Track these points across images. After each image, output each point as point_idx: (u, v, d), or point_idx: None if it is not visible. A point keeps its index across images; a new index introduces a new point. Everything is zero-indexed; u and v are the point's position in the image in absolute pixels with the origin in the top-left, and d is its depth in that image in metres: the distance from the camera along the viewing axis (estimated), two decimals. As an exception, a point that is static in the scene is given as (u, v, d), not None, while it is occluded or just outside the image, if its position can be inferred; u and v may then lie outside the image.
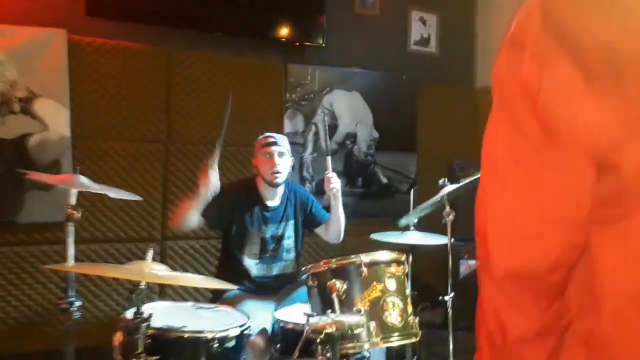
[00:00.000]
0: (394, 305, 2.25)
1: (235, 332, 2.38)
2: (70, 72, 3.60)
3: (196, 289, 4.03)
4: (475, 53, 5.35)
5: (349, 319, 2.05)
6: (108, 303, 3.83)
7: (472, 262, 4.07)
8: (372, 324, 2.15)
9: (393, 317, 2.23)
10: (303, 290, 3.25)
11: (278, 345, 2.68)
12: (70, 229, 2.22)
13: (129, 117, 3.87)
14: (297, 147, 4.35)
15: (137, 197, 2.62)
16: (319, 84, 4.54)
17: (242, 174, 4.07)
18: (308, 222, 3.37)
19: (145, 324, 2.00)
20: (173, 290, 4.00)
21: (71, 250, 2.17)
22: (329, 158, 3.30)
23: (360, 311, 2.15)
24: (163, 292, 3.92)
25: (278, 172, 3.14)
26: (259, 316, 2.83)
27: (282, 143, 3.21)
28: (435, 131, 5.00)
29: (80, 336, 3.41)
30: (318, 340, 2.13)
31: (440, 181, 2.84)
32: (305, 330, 2.05)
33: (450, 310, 2.89)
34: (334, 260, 2.30)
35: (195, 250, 4.08)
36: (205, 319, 2.56)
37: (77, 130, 3.66)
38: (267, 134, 3.24)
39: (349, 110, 4.66)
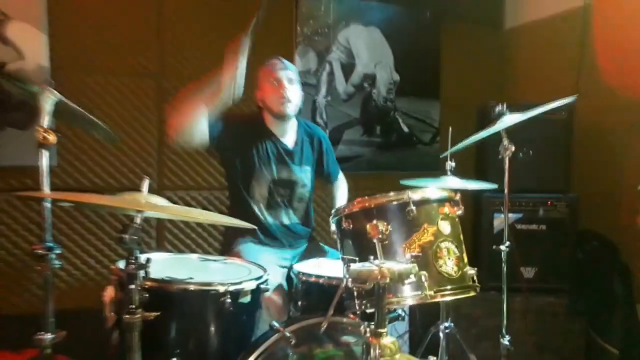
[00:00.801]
0: (449, 252, 1.86)
1: (250, 285, 2.05)
2: (48, -8, 3.20)
3: (202, 242, 3.67)
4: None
5: (398, 266, 1.65)
6: (94, 260, 3.43)
7: (510, 216, 3.66)
8: (424, 274, 1.75)
9: (448, 266, 1.84)
10: (317, 244, 2.93)
11: (299, 302, 2.33)
12: (45, 155, 1.79)
13: (116, 46, 3.43)
14: (309, 88, 3.94)
15: (113, 137, 2.15)
16: (334, 17, 4.09)
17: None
18: (317, 171, 2.99)
19: (142, 271, 1.60)
20: (172, 242, 3.62)
21: (46, 179, 1.75)
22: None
23: (409, 258, 1.74)
24: (160, 243, 3.52)
25: (288, 100, 2.74)
26: (274, 270, 2.46)
27: (291, 67, 2.86)
28: (460, 75, 4.57)
29: (62, 299, 3.06)
30: (357, 293, 1.76)
31: (497, 108, 2.41)
32: (344, 280, 1.65)
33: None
34: (372, 197, 1.89)
35: (198, 202, 3.67)
36: (214, 272, 2.20)
37: (57, 59, 3.23)
38: (273, 59, 2.87)
39: (367, 48, 4.24)
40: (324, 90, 4.07)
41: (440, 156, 2.81)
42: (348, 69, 4.17)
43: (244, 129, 2.80)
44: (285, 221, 2.87)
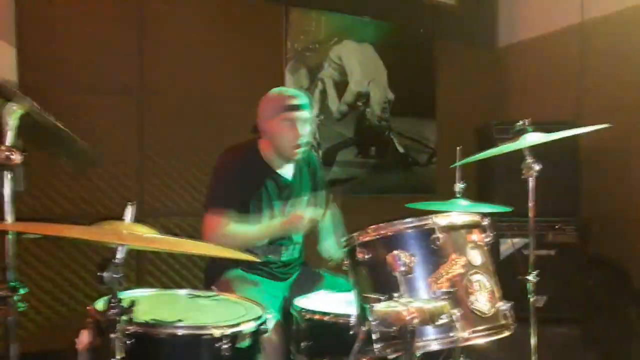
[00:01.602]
0: (480, 286, 1.63)
1: (249, 327, 1.80)
2: (17, 1, 2.98)
3: (186, 273, 3.43)
4: (497, 8, 4.77)
5: (429, 305, 1.42)
6: (66, 296, 3.13)
7: (515, 240, 3.47)
8: (455, 313, 1.51)
9: (481, 302, 1.61)
10: (311, 270, 2.69)
11: (302, 344, 2.09)
12: (7, 177, 1.54)
13: (93, 61, 3.21)
14: (300, 107, 3.72)
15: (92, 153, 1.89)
16: (325, 32, 3.93)
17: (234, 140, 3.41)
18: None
19: (126, 316, 1.34)
20: (153, 274, 3.35)
21: (9, 208, 1.49)
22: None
23: (440, 294, 1.51)
24: (141, 278, 3.24)
25: (301, 147, 2.51)
26: (269, 303, 2.21)
27: (307, 105, 2.54)
28: (456, 94, 4.43)
29: (28, 341, 2.76)
30: (377, 337, 1.52)
31: (519, 123, 2.22)
32: (369, 322, 1.41)
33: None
34: (390, 224, 1.66)
35: (183, 230, 3.40)
36: (206, 311, 1.94)
37: (27, 75, 2.99)
38: (290, 92, 2.58)
39: (360, 65, 4.09)
40: (316, 108, 3.88)
41: (455, 169, 2.57)
42: (341, 86, 4.00)
43: (241, 173, 2.54)
44: (285, 258, 2.62)
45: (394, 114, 4.21)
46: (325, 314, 2.04)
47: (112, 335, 1.38)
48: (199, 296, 2.11)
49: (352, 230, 1.81)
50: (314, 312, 2.06)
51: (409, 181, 4.27)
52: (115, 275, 1.33)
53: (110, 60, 3.24)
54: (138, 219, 1.49)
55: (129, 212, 1.41)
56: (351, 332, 1.93)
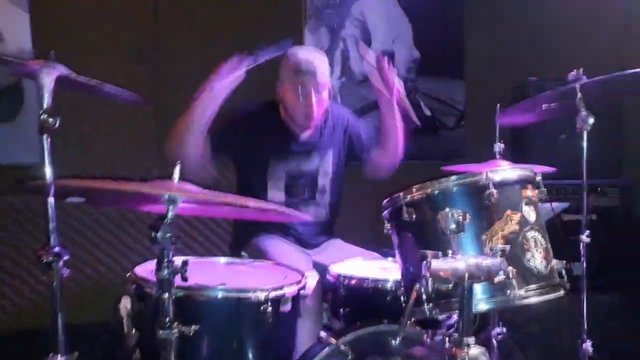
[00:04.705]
0: (536, 242, 1.68)
1: (291, 290, 1.86)
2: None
3: (216, 241, 3.48)
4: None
5: (486, 262, 1.47)
6: (110, 260, 3.25)
7: (555, 205, 3.49)
8: (511, 270, 1.57)
9: (537, 259, 1.66)
10: (349, 246, 2.74)
11: (341, 310, 2.16)
12: (46, 143, 1.60)
13: (107, 26, 3.28)
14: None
15: (132, 97, 1.94)
16: (347, -13, 3.92)
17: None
18: (352, 152, 2.77)
19: (179, 275, 1.40)
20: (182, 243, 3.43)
21: (50, 170, 1.56)
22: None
23: (497, 251, 1.57)
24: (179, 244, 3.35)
25: (313, 116, 2.53)
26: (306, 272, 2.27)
27: (322, 70, 2.51)
28: (486, 51, 4.38)
29: (70, 312, 2.88)
30: (427, 296, 1.58)
31: (572, 74, 2.23)
32: (421, 279, 1.46)
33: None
34: (439, 181, 1.71)
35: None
36: (245, 276, 2.00)
37: (41, 42, 3.05)
38: (301, 54, 2.54)
39: (384, 22, 4.09)
40: (337, 70, 3.91)
41: (483, 133, 2.61)
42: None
43: (254, 126, 2.60)
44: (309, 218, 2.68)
45: (420, 74, 4.23)
46: (363, 279, 2.10)
47: (164, 296, 1.44)
48: (236, 263, 2.18)
49: (381, 198, 1.86)
50: (351, 278, 2.13)
51: (436, 145, 4.29)
52: (167, 235, 1.39)
53: (125, 25, 3.29)
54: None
55: (177, 171, 1.47)
56: (390, 297, 2.02)
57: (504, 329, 2.76)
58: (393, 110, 2.58)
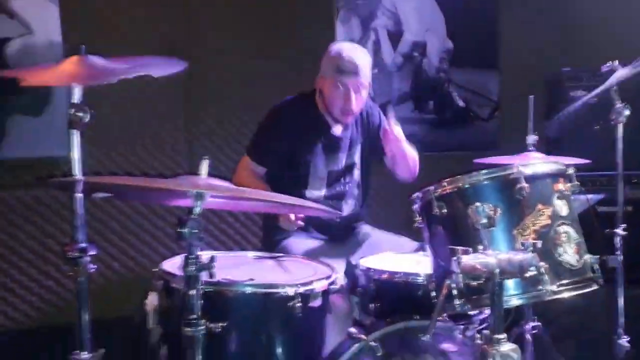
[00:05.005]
0: (568, 237, 1.66)
1: (321, 285, 1.86)
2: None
3: (239, 239, 3.51)
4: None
5: (517, 257, 1.45)
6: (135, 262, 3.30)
7: (590, 197, 3.41)
8: (543, 265, 1.54)
9: (569, 254, 1.64)
10: (379, 235, 2.73)
11: (371, 305, 2.12)
12: (75, 138, 1.62)
13: (138, 18, 3.30)
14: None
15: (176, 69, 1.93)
16: (378, -22, 3.90)
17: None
18: (375, 148, 2.77)
19: (206, 272, 1.41)
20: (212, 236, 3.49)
21: (78, 166, 1.58)
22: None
23: (529, 246, 1.54)
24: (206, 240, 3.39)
25: (350, 114, 2.57)
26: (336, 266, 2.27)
27: (365, 70, 2.53)
28: (520, 41, 4.32)
29: (97, 308, 2.94)
30: (458, 291, 1.56)
31: (606, 66, 2.19)
32: (453, 275, 1.45)
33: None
34: (470, 175, 1.69)
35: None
36: (274, 272, 2.01)
37: (71, 34, 3.07)
38: (347, 51, 2.55)
39: (416, 13, 4.06)
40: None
41: (519, 123, 2.56)
42: (395, 37, 3.99)
43: (297, 125, 2.62)
44: (345, 211, 2.68)
45: (453, 65, 4.19)
46: (394, 273, 2.09)
47: (191, 293, 1.45)
48: (264, 257, 2.19)
49: (412, 191, 1.85)
50: (382, 272, 2.11)
51: (470, 137, 4.25)
52: (194, 231, 1.40)
53: (156, 18, 3.33)
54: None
55: (205, 167, 1.47)
56: (421, 292, 2.00)
57: (539, 324, 2.72)
58: (399, 142, 2.58)
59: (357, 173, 2.74)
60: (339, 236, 2.70)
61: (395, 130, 2.51)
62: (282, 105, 2.69)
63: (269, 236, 2.79)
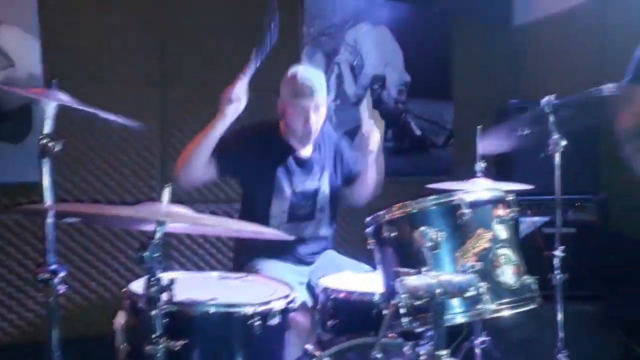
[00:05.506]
0: (507, 259, 1.68)
1: (279, 305, 1.83)
2: (39, -7, 3.03)
3: (216, 257, 3.49)
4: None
5: (458, 278, 1.47)
6: (103, 278, 3.24)
7: (536, 219, 3.48)
8: (483, 285, 1.56)
9: (507, 275, 1.66)
10: (341, 257, 2.73)
11: (329, 322, 2.12)
12: (46, 166, 1.60)
13: (116, 52, 3.27)
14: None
15: (133, 124, 1.94)
16: (341, 16, 3.94)
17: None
18: (341, 174, 2.78)
19: (166, 293, 1.40)
20: (178, 261, 3.44)
21: (50, 193, 1.56)
22: (365, 102, 2.68)
23: (468, 268, 1.56)
24: (167, 263, 3.33)
25: (314, 132, 2.55)
26: (297, 287, 2.26)
27: (320, 90, 2.52)
28: (473, 75, 4.42)
29: (64, 326, 2.89)
30: (405, 310, 1.57)
31: (544, 100, 2.24)
32: (398, 295, 1.46)
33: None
34: (417, 201, 1.71)
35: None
36: (236, 291, 1.99)
37: (51, 66, 3.03)
38: (300, 73, 2.54)
39: (376, 48, 4.10)
40: (332, 94, 3.90)
41: (471, 150, 2.60)
42: (357, 70, 4.03)
43: (258, 145, 2.60)
44: (307, 234, 2.67)
45: (410, 96, 4.23)
46: (350, 292, 2.09)
47: (152, 313, 1.43)
48: (229, 277, 2.17)
49: (371, 213, 1.86)
50: (339, 291, 2.11)
51: (427, 163, 4.29)
52: (155, 255, 1.39)
53: (133, 51, 3.30)
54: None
55: (167, 194, 1.47)
56: (375, 310, 2.00)
57: (488, 338, 2.74)
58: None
59: (322, 198, 2.70)
60: (304, 260, 2.69)
61: (371, 140, 2.57)
62: (248, 126, 2.64)
63: (238, 257, 2.78)
